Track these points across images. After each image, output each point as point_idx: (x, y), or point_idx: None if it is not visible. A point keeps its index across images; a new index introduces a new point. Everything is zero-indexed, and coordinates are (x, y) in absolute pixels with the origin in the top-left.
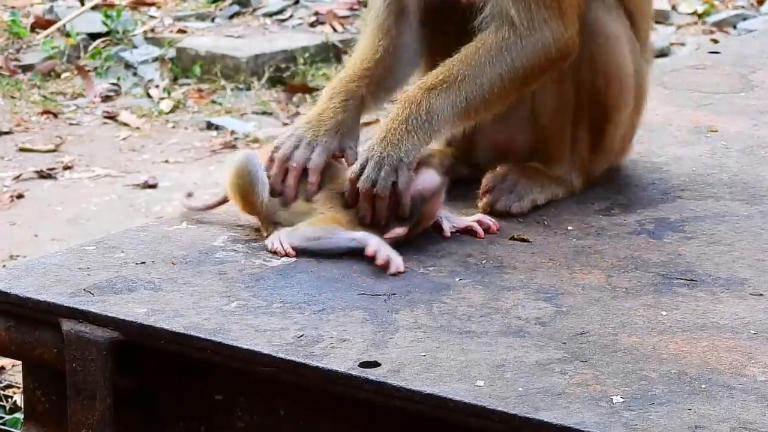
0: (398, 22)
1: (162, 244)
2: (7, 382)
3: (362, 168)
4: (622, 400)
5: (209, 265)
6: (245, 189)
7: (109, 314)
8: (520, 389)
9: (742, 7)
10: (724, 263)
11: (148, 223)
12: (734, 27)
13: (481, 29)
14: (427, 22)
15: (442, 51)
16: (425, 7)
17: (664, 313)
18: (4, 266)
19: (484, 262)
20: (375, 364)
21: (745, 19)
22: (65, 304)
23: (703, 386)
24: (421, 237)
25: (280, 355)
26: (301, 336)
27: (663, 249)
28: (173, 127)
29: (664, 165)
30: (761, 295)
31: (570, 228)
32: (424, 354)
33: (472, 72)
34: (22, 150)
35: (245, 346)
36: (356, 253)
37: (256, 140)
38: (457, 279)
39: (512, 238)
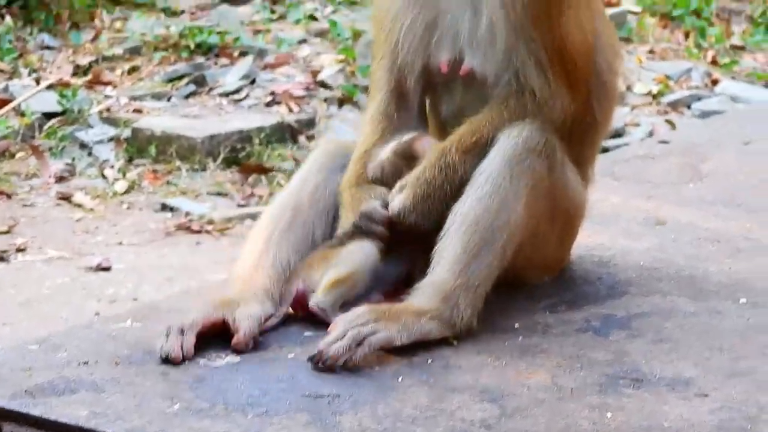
0: (399, 106)
1: (106, 343)
2: None
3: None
4: None
5: (153, 364)
6: None
7: (50, 417)
8: None
9: (697, 87)
10: (670, 362)
11: (93, 321)
12: (689, 107)
13: (495, 97)
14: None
15: (441, 127)
16: (424, 86)
17: (609, 414)
18: None
19: (429, 361)
20: None
21: (699, 99)
22: (6, 407)
23: None
24: None
25: None
26: None
27: (609, 347)
28: (128, 208)
29: (611, 259)
30: (706, 395)
31: (516, 326)
32: None
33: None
34: None
35: None
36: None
37: (210, 222)
38: (401, 379)
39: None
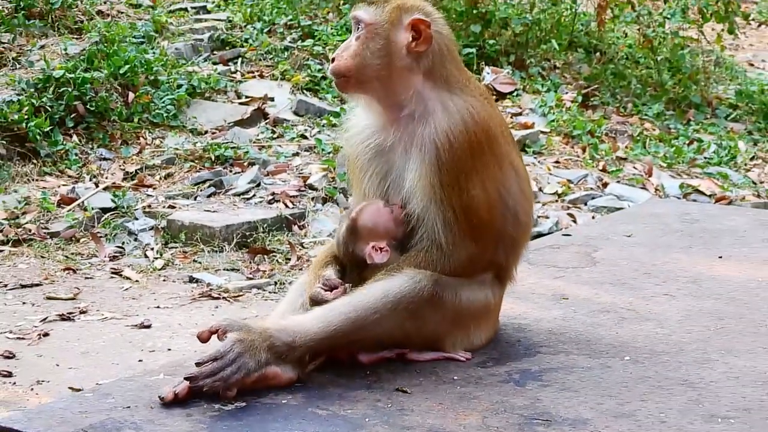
0: None
1: (144, 392)
2: None
3: None
4: None
5: (179, 408)
6: None
7: None
8: None
9: (591, 189)
10: (572, 406)
11: (134, 373)
12: (585, 204)
13: (415, 244)
14: None
15: None
16: None
17: None
18: (32, 389)
19: (389, 405)
20: None
21: (593, 197)
22: None
23: None
24: (343, 386)
25: None
26: None
27: (526, 395)
28: (164, 280)
29: (528, 325)
30: None
31: (455, 377)
32: None
33: None
34: (48, 298)
35: None
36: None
37: (226, 291)
38: (368, 419)
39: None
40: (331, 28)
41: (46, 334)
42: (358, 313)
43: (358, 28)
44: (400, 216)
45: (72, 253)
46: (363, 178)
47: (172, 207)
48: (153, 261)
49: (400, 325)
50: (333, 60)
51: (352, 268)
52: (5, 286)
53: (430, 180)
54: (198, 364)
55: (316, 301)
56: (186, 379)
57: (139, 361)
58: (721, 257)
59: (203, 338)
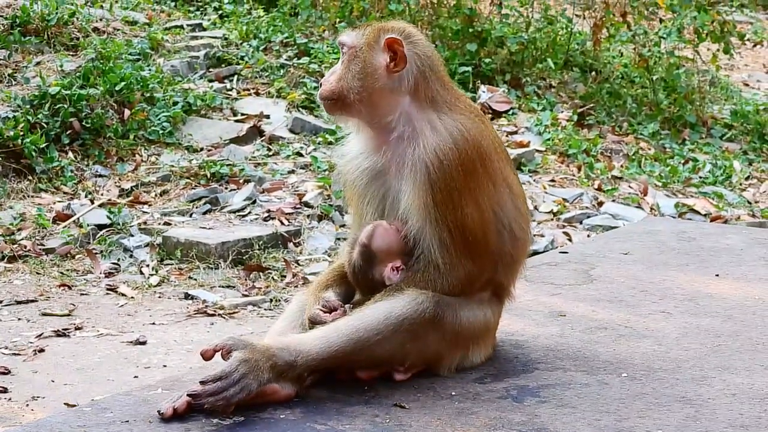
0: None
1: (142, 406)
2: None
3: None
4: None
5: (177, 422)
6: None
7: None
8: None
9: (586, 207)
10: (570, 422)
11: (132, 387)
12: (581, 223)
13: (413, 266)
14: None
15: None
16: None
17: None
18: (27, 405)
19: (388, 421)
20: None
21: (588, 216)
22: None
23: None
24: (341, 402)
25: None
26: None
27: (523, 411)
28: (159, 297)
29: (525, 342)
30: None
31: (453, 393)
32: None
33: None
34: (43, 314)
35: None
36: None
37: (222, 307)
38: None
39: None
40: (327, 46)
41: (41, 350)
42: (360, 334)
43: (343, 52)
44: (404, 232)
45: (67, 270)
46: (361, 204)
47: (167, 224)
48: (148, 278)
49: (401, 345)
50: (321, 84)
51: (368, 292)
52: (1, 302)
53: (424, 200)
54: (202, 383)
55: (314, 323)
56: (189, 396)
57: (135, 377)
58: (717, 275)
59: (207, 356)
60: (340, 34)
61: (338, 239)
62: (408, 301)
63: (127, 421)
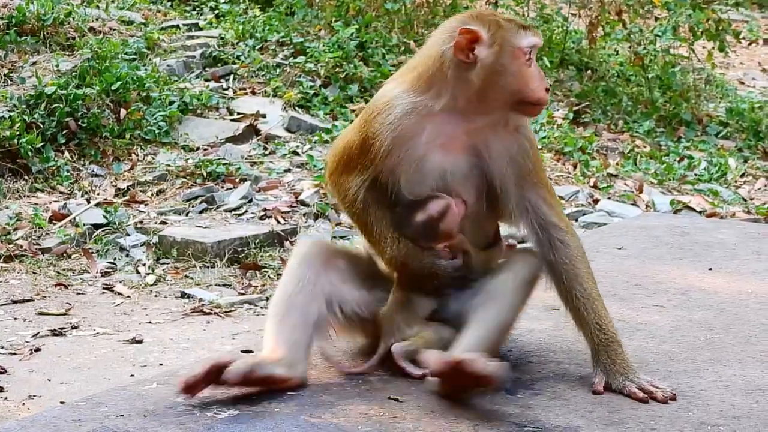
0: None
1: (137, 401)
2: None
3: None
4: None
5: (172, 416)
6: None
7: None
8: None
9: (582, 205)
10: (563, 414)
11: (127, 383)
12: (576, 220)
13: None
14: None
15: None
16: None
17: None
18: (23, 404)
19: (382, 414)
20: None
21: (584, 214)
22: None
23: None
24: (336, 395)
25: None
26: None
27: (517, 403)
28: (156, 296)
29: (519, 336)
30: None
31: None
32: None
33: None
34: (40, 314)
35: None
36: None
37: (218, 306)
38: (361, 428)
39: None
40: (323, 45)
41: (37, 350)
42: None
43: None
44: (464, 211)
45: (64, 269)
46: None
47: (163, 223)
48: (145, 277)
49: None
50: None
51: (423, 280)
52: None
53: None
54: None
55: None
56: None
57: (131, 375)
58: (711, 269)
59: None
60: (537, 35)
61: (334, 237)
62: (524, 263)
63: (122, 415)
